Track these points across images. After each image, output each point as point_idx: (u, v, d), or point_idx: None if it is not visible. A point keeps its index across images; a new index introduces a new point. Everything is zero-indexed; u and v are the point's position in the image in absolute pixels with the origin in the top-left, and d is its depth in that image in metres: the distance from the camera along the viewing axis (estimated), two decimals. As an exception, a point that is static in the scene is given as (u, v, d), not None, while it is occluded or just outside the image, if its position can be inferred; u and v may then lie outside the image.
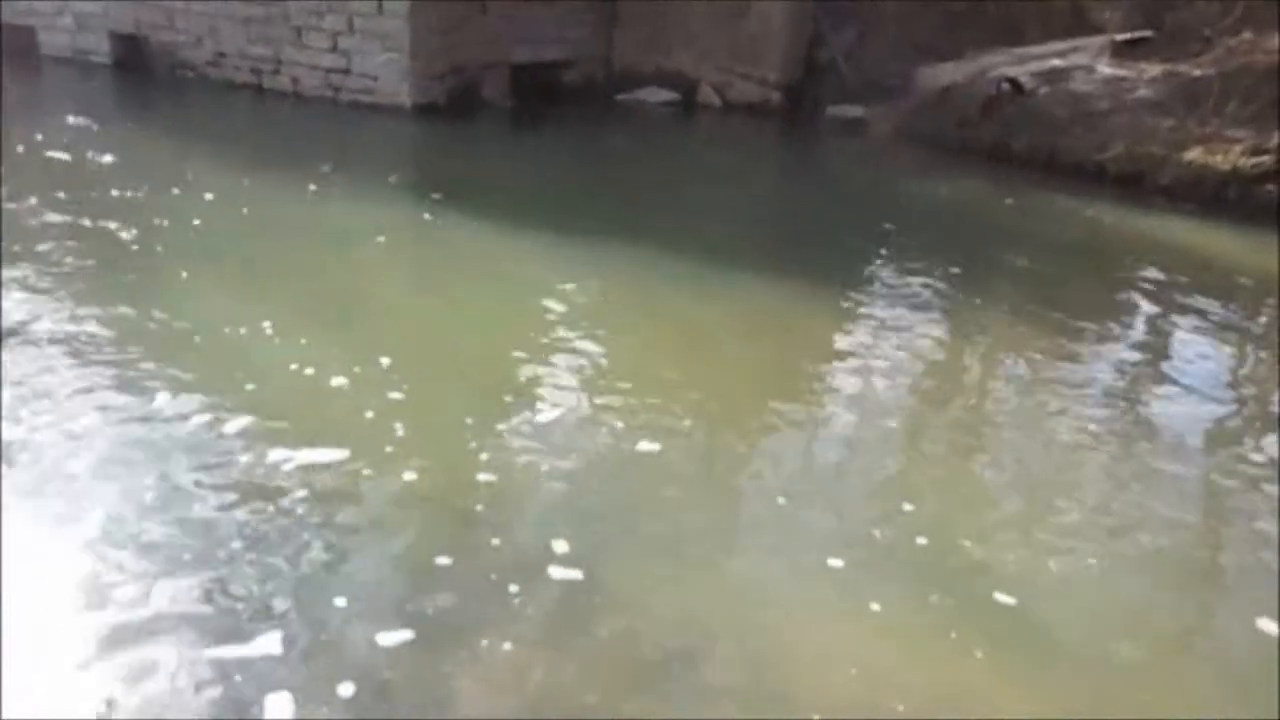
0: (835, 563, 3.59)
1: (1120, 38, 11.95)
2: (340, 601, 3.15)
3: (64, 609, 3.05)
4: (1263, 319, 7.25)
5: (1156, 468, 4.63)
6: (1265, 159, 9.29)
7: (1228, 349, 6.41)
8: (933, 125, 11.67)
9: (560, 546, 3.52)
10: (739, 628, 3.21)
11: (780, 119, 13.05)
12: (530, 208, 8.28)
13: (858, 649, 3.17)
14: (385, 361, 4.93)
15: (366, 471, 3.90)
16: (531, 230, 7.50)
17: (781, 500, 4.03)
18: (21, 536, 3.37)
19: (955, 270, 7.36)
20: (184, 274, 6.07)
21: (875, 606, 3.36)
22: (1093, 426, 4.93)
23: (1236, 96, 9.94)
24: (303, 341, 5.12)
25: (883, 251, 7.67)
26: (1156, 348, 6.32)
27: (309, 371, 4.76)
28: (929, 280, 7.07)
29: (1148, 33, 11.89)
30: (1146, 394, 5.55)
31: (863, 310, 6.50)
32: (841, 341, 5.97)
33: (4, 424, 4.05)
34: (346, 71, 11.94)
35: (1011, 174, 10.36)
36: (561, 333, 5.58)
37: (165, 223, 7.05)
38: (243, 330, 5.19)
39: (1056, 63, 11.82)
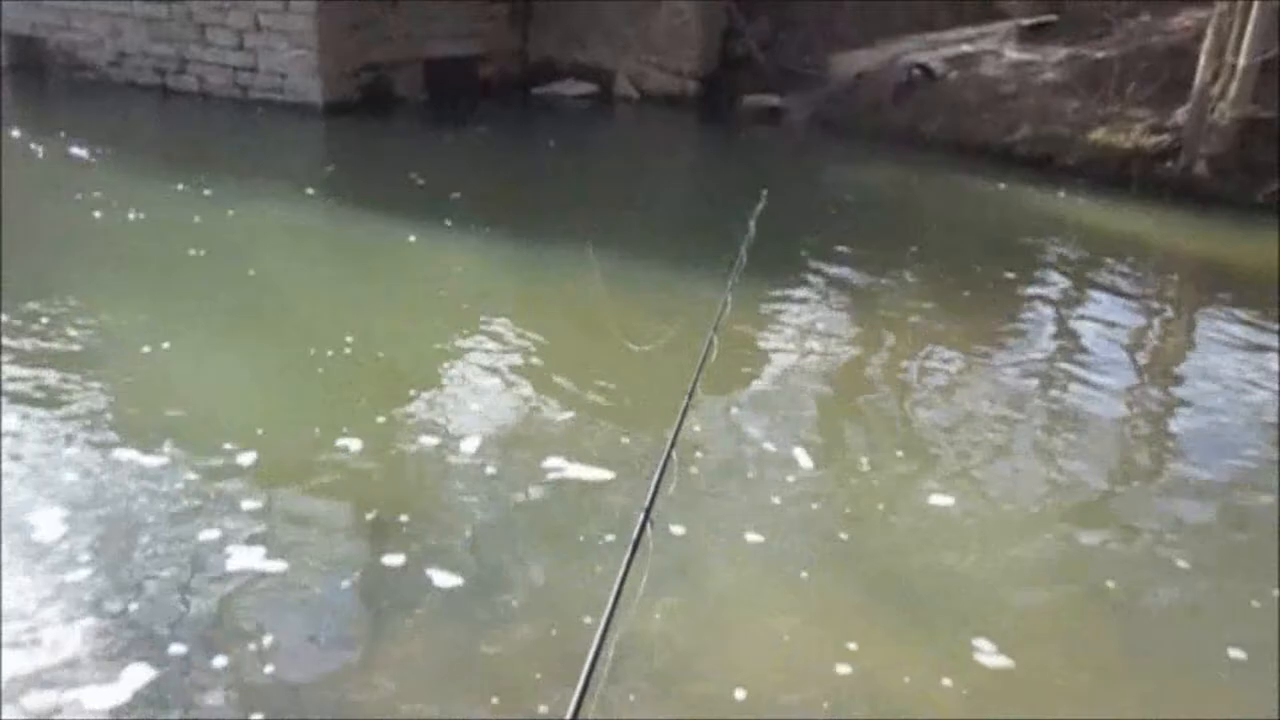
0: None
1: (1026, 23, 12.20)
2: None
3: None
4: (1168, 290, 7.49)
5: (1061, 437, 4.75)
6: (1165, 137, 9.56)
7: (1134, 320, 6.59)
8: (847, 112, 11.78)
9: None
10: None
11: (697, 109, 13.06)
12: (448, 207, 8.16)
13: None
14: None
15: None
16: (456, 230, 7.43)
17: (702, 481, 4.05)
18: None
19: (870, 253, 7.45)
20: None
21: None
22: (1006, 405, 5.03)
23: (1136, 77, 10.20)
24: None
25: (799, 238, 7.71)
26: (1065, 321, 6.46)
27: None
28: (845, 264, 7.15)
29: (1051, 17, 12.17)
30: (1056, 367, 5.67)
31: (780, 294, 6.54)
32: (761, 329, 6.00)
33: None
34: (254, 70, 11.65)
35: (924, 157, 10.52)
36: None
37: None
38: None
39: (965, 48, 12.02)
